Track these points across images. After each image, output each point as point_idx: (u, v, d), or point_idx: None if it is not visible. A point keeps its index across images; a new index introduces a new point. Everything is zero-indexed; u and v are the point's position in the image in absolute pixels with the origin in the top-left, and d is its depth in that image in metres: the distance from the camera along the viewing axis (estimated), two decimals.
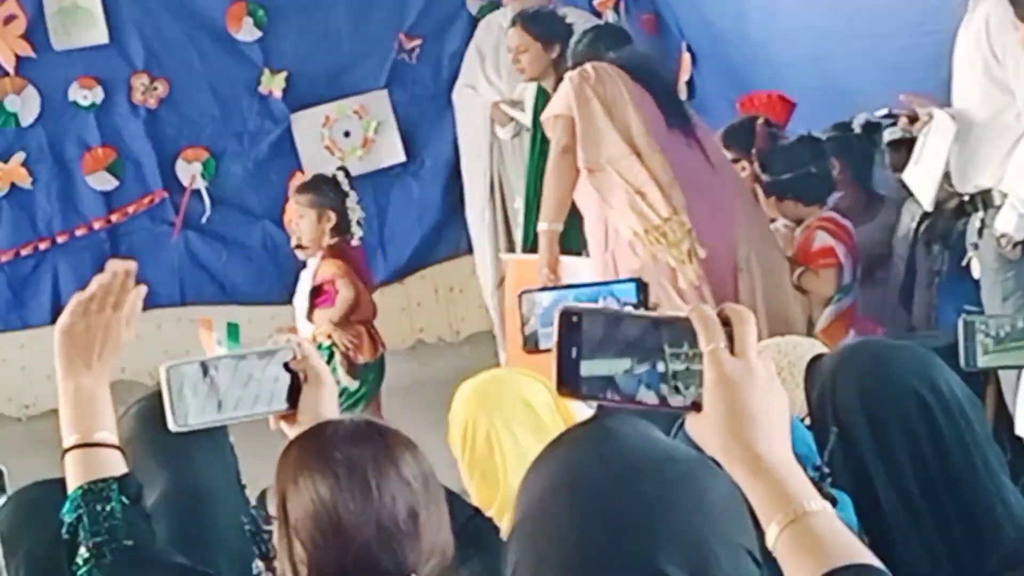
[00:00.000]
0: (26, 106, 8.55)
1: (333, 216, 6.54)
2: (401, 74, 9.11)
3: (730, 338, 1.66)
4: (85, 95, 8.64)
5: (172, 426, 2.41)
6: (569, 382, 1.69)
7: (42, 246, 8.66)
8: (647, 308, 3.13)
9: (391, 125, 9.09)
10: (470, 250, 8.85)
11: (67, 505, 2.30)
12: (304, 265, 6.74)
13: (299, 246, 6.66)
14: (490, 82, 8.52)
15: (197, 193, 8.82)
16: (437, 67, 9.06)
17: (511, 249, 8.09)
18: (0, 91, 8.51)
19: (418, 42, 9.09)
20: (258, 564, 2.52)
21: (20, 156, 8.58)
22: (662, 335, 1.68)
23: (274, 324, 8.60)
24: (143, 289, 2.49)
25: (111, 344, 2.45)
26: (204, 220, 8.84)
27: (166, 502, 2.85)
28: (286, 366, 2.47)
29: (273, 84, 8.91)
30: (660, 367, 1.68)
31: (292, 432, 2.39)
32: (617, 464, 1.73)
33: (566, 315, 1.70)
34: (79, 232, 8.69)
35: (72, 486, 2.33)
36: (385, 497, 2.15)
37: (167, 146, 8.80)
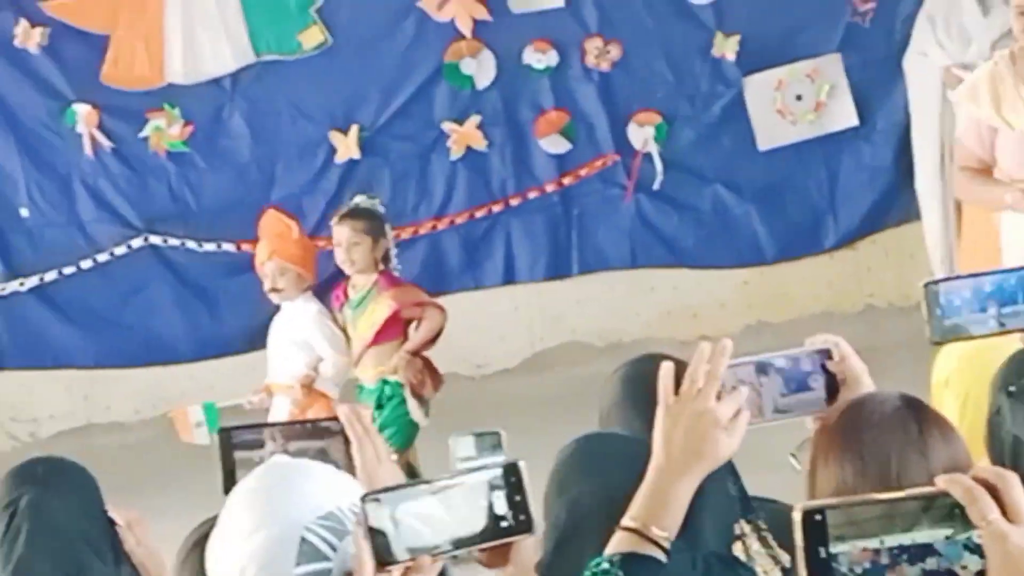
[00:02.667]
0: (482, 69, 8.71)
1: (384, 244, 6.52)
2: (854, 37, 8.84)
3: (1000, 504, 1.54)
4: (539, 58, 8.73)
5: None
6: None
7: (496, 208, 8.81)
8: None
9: (843, 88, 8.84)
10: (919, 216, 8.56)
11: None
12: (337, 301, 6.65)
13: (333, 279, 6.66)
14: (941, 46, 8.19)
15: (649, 157, 8.80)
16: (890, 30, 8.74)
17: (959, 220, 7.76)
18: (456, 54, 8.70)
19: (872, 5, 8.80)
20: (742, 526, 2.44)
21: (475, 119, 8.75)
22: (920, 516, 1.56)
23: (703, 290, 8.56)
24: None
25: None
26: (656, 184, 8.81)
27: None
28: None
29: (726, 47, 8.79)
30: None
31: None
32: None
33: (807, 515, 1.58)
34: (532, 195, 8.81)
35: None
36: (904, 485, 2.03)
37: (619, 109, 8.80)
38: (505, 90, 8.74)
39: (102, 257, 8.62)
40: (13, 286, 8.60)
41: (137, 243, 8.65)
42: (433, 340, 6.57)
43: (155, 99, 8.61)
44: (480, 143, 8.76)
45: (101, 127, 8.60)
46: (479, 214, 8.81)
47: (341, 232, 6.50)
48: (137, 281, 8.68)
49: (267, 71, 8.65)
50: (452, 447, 2.31)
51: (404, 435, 6.56)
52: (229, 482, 2.53)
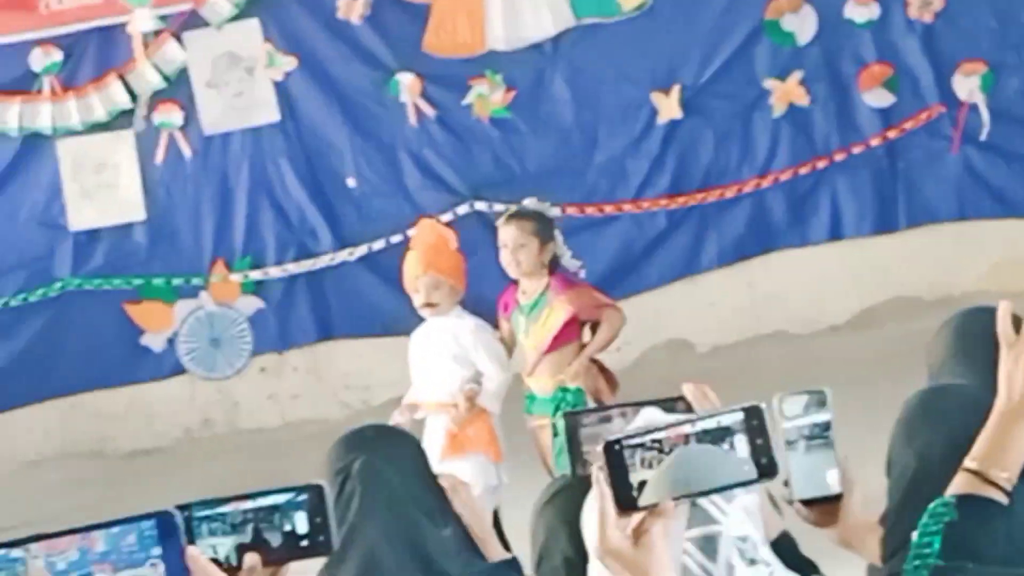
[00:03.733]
0: (803, 25, 8.63)
1: (552, 248, 6.13)
2: None
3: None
4: (861, 12, 8.62)
5: None
6: None
7: (820, 164, 8.72)
8: None
9: None
10: None
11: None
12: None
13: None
14: None
15: (974, 107, 8.64)
16: None
17: None
18: (776, 11, 8.63)
19: None
20: None
21: (797, 75, 8.67)
22: None
23: None
24: None
25: None
26: (983, 135, 8.65)
27: None
28: None
29: None
30: None
31: None
32: None
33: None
34: (856, 150, 8.70)
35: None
36: None
37: (943, 60, 8.65)
38: (827, 45, 8.65)
39: None
40: (342, 256, 8.71)
41: (463, 210, 8.70)
42: (611, 342, 6.09)
43: (477, 66, 8.66)
44: (803, 99, 8.68)
45: (424, 96, 8.67)
46: (803, 171, 8.72)
47: (507, 233, 6.15)
48: (463, 247, 8.69)
49: (587, 34, 8.65)
50: (778, 406, 2.24)
51: None
52: (575, 458, 2.50)
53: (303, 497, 2.00)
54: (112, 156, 8.67)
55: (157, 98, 8.64)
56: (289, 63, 8.66)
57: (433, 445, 5.78)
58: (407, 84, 8.65)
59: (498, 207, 8.66)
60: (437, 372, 6.15)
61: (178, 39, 8.59)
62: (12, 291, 8.63)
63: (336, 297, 8.75)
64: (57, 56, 8.60)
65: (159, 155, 8.68)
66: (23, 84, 8.60)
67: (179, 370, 8.80)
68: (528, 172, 8.70)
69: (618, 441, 1.93)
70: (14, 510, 8.03)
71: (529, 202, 6.36)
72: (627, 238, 8.77)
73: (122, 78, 8.58)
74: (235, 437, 8.80)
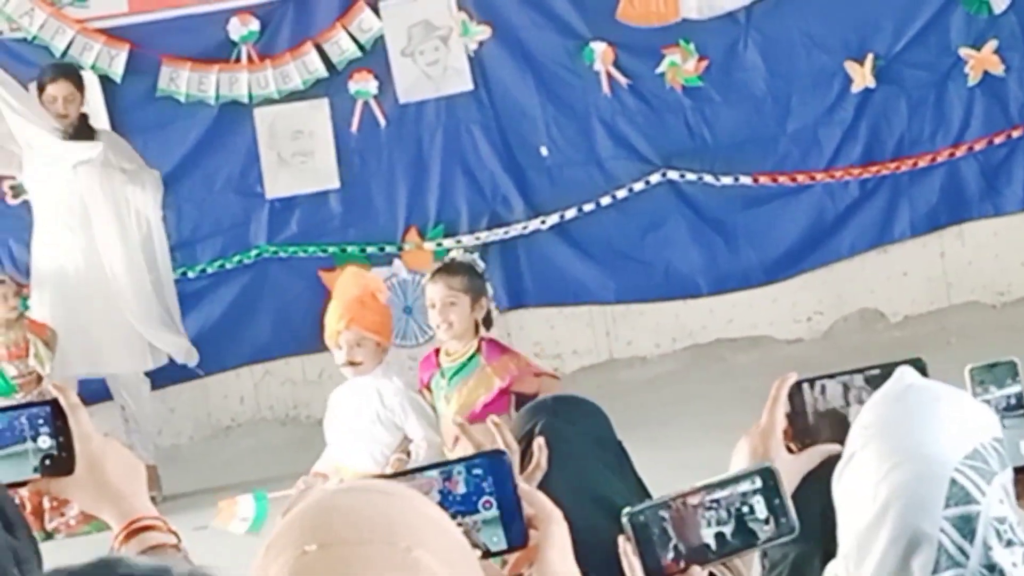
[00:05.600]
0: None
1: (485, 304, 5.58)
2: None
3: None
4: None
5: None
6: None
7: (1015, 134, 8.68)
8: None
9: None
10: None
11: None
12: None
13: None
14: None
15: None
16: None
17: None
18: None
19: None
20: None
21: (992, 44, 8.64)
22: None
23: None
24: None
25: None
26: None
27: None
28: None
29: None
30: None
31: None
32: None
33: None
34: None
35: None
36: None
37: None
38: (1022, 14, 8.61)
39: (620, 193, 8.71)
40: (535, 224, 8.73)
41: (655, 179, 8.72)
42: None
43: (670, 35, 8.68)
44: (998, 68, 8.66)
45: (617, 65, 8.69)
46: (998, 140, 8.69)
47: (435, 291, 5.57)
48: (655, 216, 8.75)
49: (781, 3, 8.66)
50: (969, 378, 2.21)
51: None
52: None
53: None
54: (308, 124, 8.74)
55: (352, 67, 8.69)
56: (483, 32, 8.70)
57: None
58: (600, 53, 8.67)
59: (690, 176, 8.70)
60: (360, 436, 5.75)
61: (374, 9, 8.65)
62: (209, 258, 8.69)
63: (528, 265, 8.78)
64: (254, 25, 8.67)
65: (354, 123, 8.74)
66: (221, 53, 8.67)
67: None
68: (720, 141, 8.71)
69: (641, 512, 1.99)
70: (206, 476, 8.11)
71: (456, 254, 5.95)
72: (819, 207, 8.76)
73: (318, 47, 8.65)
74: None
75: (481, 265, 5.66)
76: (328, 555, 1.30)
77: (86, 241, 7.93)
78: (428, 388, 5.74)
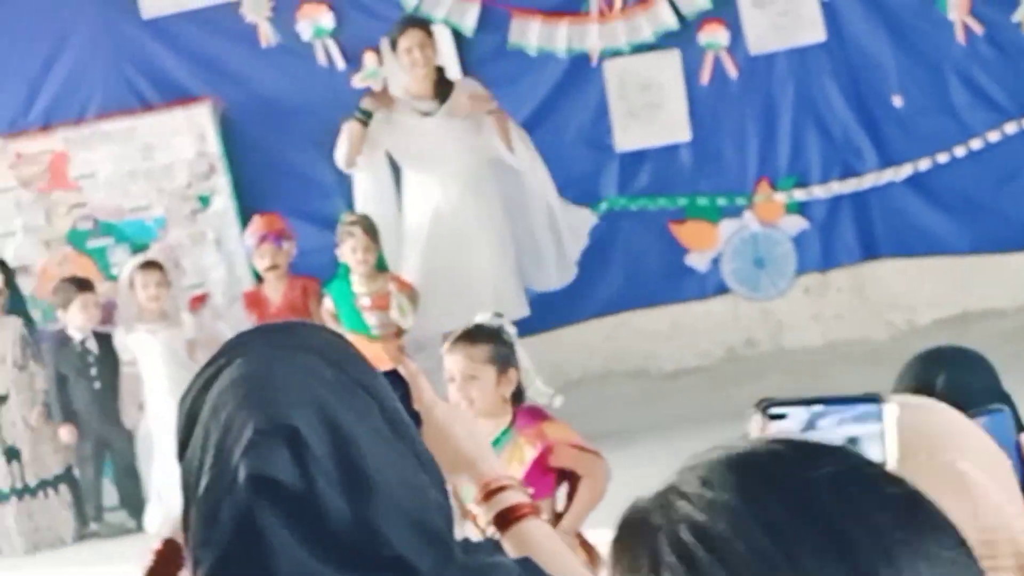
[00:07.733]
0: None
1: (514, 376, 4.57)
2: None
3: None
4: None
5: None
6: None
7: None
8: None
9: None
10: None
11: None
12: None
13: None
14: None
15: None
16: None
17: None
18: None
19: None
20: None
21: None
22: None
23: None
24: None
25: None
26: None
27: None
28: None
29: None
30: None
31: None
32: None
33: None
34: None
35: None
36: None
37: None
38: None
39: (975, 144, 8.58)
40: (887, 175, 8.64)
41: (1011, 128, 8.58)
42: (596, 503, 4.54)
43: None
44: None
45: (972, 13, 8.56)
46: None
47: (453, 362, 4.58)
48: (1012, 167, 8.60)
49: None
50: None
51: None
52: None
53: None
54: (658, 76, 8.74)
55: (703, 18, 8.67)
56: None
57: None
58: (955, 1, 8.55)
59: None
60: None
61: None
62: None
63: (881, 217, 8.69)
64: None
65: (704, 75, 8.72)
66: (570, 6, 8.70)
67: (722, 290, 8.82)
68: None
69: None
70: None
71: (481, 317, 4.74)
72: None
73: None
74: (778, 357, 8.77)
75: (511, 331, 4.67)
76: None
77: (455, 192, 7.99)
78: None
